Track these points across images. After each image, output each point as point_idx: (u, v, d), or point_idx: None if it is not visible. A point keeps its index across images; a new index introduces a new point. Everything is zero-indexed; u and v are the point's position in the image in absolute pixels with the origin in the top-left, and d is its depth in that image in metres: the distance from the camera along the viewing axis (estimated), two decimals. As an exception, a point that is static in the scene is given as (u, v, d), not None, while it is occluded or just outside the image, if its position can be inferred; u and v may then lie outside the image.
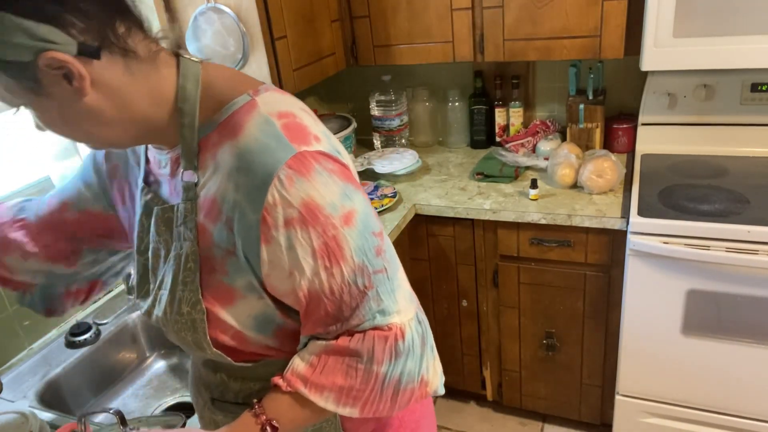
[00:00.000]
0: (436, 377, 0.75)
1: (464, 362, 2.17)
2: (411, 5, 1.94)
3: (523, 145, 2.14)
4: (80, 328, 1.44)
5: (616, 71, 2.08)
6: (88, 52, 0.62)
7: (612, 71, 2.09)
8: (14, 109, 0.67)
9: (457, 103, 2.30)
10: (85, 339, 1.37)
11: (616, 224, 1.66)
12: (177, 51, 0.73)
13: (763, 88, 1.79)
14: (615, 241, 1.71)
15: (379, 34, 2.03)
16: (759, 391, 1.64)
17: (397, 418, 0.91)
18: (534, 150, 2.13)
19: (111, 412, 0.87)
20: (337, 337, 0.71)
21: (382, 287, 0.70)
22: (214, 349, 0.78)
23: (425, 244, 2.00)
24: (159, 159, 0.79)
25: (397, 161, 2.13)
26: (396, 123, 2.30)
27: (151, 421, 0.97)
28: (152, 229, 0.79)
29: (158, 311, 0.79)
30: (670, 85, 1.89)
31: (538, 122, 2.18)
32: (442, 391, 0.76)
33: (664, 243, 1.56)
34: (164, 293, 0.78)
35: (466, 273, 1.99)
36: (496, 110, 2.22)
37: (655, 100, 1.92)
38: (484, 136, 2.30)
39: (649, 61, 1.67)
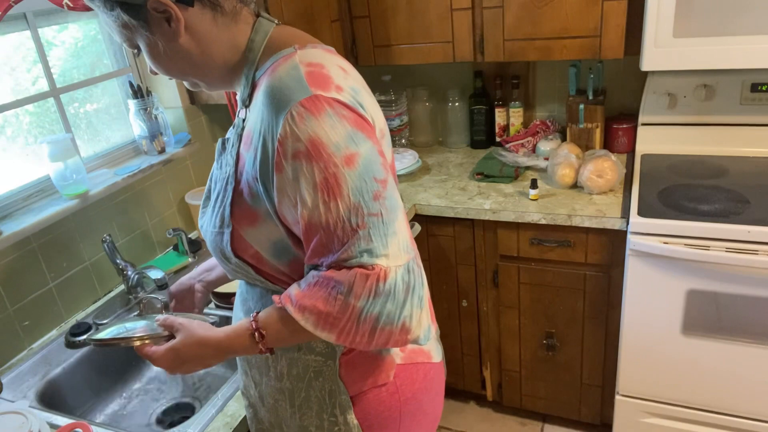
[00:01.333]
0: (419, 328, 0.79)
1: (464, 362, 2.17)
2: (411, 5, 1.94)
3: (523, 145, 2.14)
4: (80, 328, 1.44)
5: (616, 71, 2.08)
6: (184, 0, 0.79)
7: (612, 71, 2.09)
8: (135, 51, 0.86)
9: (457, 103, 2.30)
10: (85, 339, 1.38)
11: (616, 224, 1.66)
12: (258, 12, 0.89)
13: (763, 88, 1.79)
14: (615, 241, 1.71)
15: (379, 34, 2.03)
16: (759, 391, 1.64)
17: (394, 384, 0.95)
18: (534, 150, 2.13)
19: (160, 298, 0.99)
20: (328, 268, 0.78)
21: (374, 229, 0.76)
22: (235, 259, 0.89)
23: (425, 244, 2.00)
24: (239, 102, 0.93)
25: (397, 161, 2.13)
26: (396, 123, 2.30)
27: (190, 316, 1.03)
28: (216, 159, 0.94)
29: (203, 222, 0.94)
30: (670, 85, 1.89)
31: (538, 122, 2.18)
32: (424, 341, 0.81)
33: (664, 243, 1.56)
34: (209, 209, 0.92)
35: (466, 273, 1.99)
36: (496, 110, 2.22)
37: (655, 100, 1.92)
38: (484, 136, 2.30)
39: (649, 61, 1.67)
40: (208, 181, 0.97)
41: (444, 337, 2.15)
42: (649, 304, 1.65)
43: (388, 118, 2.29)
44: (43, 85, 1.55)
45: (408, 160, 2.13)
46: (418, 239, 2.00)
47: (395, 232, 0.77)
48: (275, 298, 0.82)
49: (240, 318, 1.01)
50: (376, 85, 2.35)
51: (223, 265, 0.94)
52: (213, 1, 0.81)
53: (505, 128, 2.24)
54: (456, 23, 1.91)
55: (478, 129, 2.29)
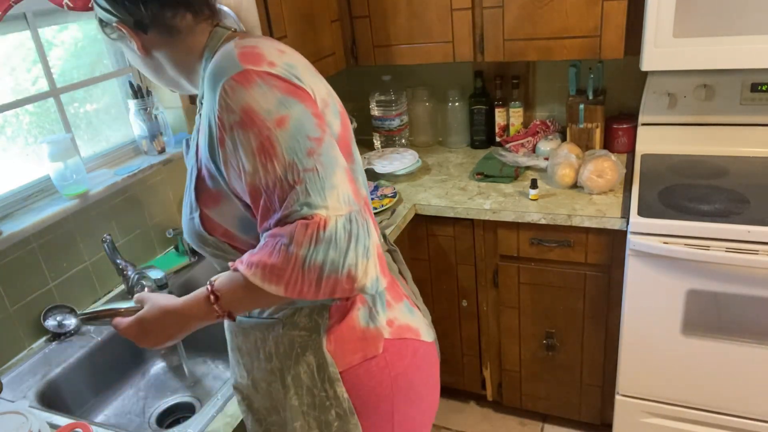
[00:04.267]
0: (365, 276, 0.80)
1: (464, 362, 2.17)
2: (411, 5, 1.94)
3: (523, 145, 2.14)
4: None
5: (616, 71, 2.08)
6: (140, 27, 0.93)
7: (612, 71, 2.09)
8: (112, 61, 0.99)
9: (457, 103, 2.30)
10: (78, 314, 1.41)
11: (616, 224, 1.66)
12: (217, 24, 0.97)
13: (763, 88, 1.79)
14: (615, 241, 1.71)
15: (379, 34, 2.03)
16: (759, 391, 1.64)
17: (384, 358, 0.97)
18: (534, 150, 2.13)
19: (151, 275, 1.15)
20: (274, 227, 0.81)
21: (311, 184, 0.79)
22: (211, 238, 0.94)
23: (425, 244, 2.00)
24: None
25: (397, 161, 2.13)
26: (396, 123, 2.30)
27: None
28: (185, 159, 1.02)
29: (181, 218, 1.00)
30: (670, 85, 1.89)
31: (538, 122, 2.18)
32: (371, 290, 0.82)
33: (664, 243, 1.56)
34: (184, 204, 0.98)
35: (466, 273, 1.99)
36: (496, 110, 2.22)
37: (655, 100, 1.92)
38: (484, 136, 2.30)
39: (649, 61, 1.67)
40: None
41: (444, 337, 2.15)
42: (649, 304, 1.65)
43: (388, 118, 2.29)
44: (43, 85, 1.55)
45: (408, 160, 2.13)
46: (418, 239, 2.00)
47: (334, 185, 0.81)
48: (230, 263, 0.85)
49: None
50: (376, 85, 2.35)
51: (202, 249, 0.98)
52: (168, 25, 0.92)
53: (505, 128, 2.24)
54: (456, 23, 1.91)
55: (478, 129, 2.29)
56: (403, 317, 1.03)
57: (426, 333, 1.07)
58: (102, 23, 0.96)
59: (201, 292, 0.88)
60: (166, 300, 0.93)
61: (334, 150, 0.85)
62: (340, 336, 0.95)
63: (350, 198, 0.82)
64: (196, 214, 0.93)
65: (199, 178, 0.92)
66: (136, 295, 0.99)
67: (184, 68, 0.97)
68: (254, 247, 0.90)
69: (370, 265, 0.81)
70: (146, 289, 1.39)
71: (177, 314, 0.91)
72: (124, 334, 0.95)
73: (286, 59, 0.88)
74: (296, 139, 0.81)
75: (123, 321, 0.95)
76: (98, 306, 1.02)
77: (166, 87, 1.05)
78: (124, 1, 0.92)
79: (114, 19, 0.93)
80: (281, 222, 0.80)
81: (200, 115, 0.93)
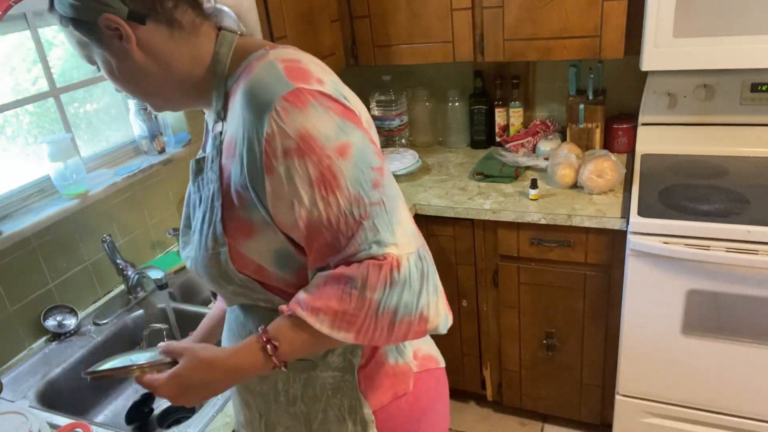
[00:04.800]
0: (438, 317, 0.76)
1: (464, 362, 2.17)
2: (411, 5, 1.94)
3: (523, 145, 2.14)
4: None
5: (616, 71, 2.08)
6: (135, 18, 0.76)
7: (612, 71, 2.09)
8: (94, 67, 0.82)
9: (457, 103, 2.30)
10: (84, 373, 1.29)
11: (616, 224, 1.66)
12: (220, 26, 0.85)
13: (763, 88, 1.79)
14: (615, 241, 1.71)
15: (379, 34, 2.03)
16: (759, 391, 1.64)
17: (413, 395, 0.92)
18: (534, 150, 2.13)
19: (162, 326, 0.92)
20: (336, 266, 0.74)
21: (378, 219, 0.73)
22: (240, 276, 0.82)
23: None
24: (208, 121, 0.90)
25: (397, 161, 2.13)
26: (396, 123, 2.30)
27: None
28: (190, 181, 0.89)
29: (191, 252, 0.87)
30: (670, 85, 1.89)
31: (538, 122, 2.18)
32: (443, 330, 0.77)
33: (664, 243, 1.56)
34: (195, 235, 0.85)
35: (466, 273, 1.99)
36: (496, 110, 2.22)
37: (655, 100, 1.92)
38: (484, 136, 2.30)
39: (649, 61, 1.67)
40: (184, 208, 0.92)
41: (444, 337, 2.15)
42: (649, 304, 1.65)
43: (388, 118, 2.29)
44: (43, 85, 1.55)
45: (408, 160, 2.13)
46: (418, 239, 1.99)
47: (399, 220, 0.75)
48: (282, 307, 0.77)
49: None
50: (376, 85, 2.35)
51: (220, 289, 0.87)
52: (168, 17, 0.78)
53: (505, 128, 2.24)
54: (456, 23, 1.91)
55: (478, 129, 2.29)
56: (424, 346, 0.98)
57: (441, 357, 1.03)
58: (76, 22, 0.77)
59: (252, 341, 0.78)
60: (208, 352, 0.81)
61: (392, 180, 0.79)
62: (371, 375, 0.89)
63: (415, 232, 0.77)
64: (224, 250, 0.81)
65: (227, 206, 0.80)
66: (163, 346, 0.85)
67: (186, 77, 0.82)
68: (290, 284, 0.83)
69: (440, 303, 0.76)
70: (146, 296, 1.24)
71: (226, 368, 0.79)
72: (159, 394, 0.82)
73: (330, 76, 0.80)
74: (360, 170, 0.73)
75: (157, 379, 0.82)
76: (110, 361, 0.88)
77: (154, 104, 0.87)
78: None
79: (100, 10, 0.74)
80: (346, 262, 0.73)
81: (220, 134, 0.82)
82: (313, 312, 0.73)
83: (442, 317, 0.76)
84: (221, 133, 0.82)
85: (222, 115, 0.82)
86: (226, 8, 1.51)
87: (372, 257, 0.72)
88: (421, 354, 0.96)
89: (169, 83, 0.82)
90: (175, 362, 0.83)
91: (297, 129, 0.71)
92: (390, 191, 0.76)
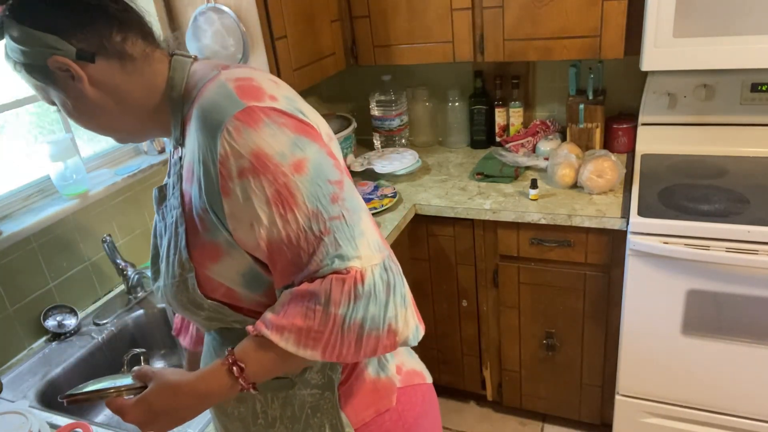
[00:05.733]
0: (407, 328, 0.74)
1: (464, 362, 2.17)
2: (411, 5, 1.94)
3: (523, 145, 2.14)
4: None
5: (616, 71, 2.08)
6: (84, 57, 0.76)
7: (612, 71, 2.09)
8: (53, 108, 0.84)
9: (457, 103, 2.30)
10: (60, 396, 1.23)
11: (616, 224, 1.66)
12: (173, 53, 0.84)
13: (763, 88, 1.79)
14: (615, 241, 1.71)
15: (379, 34, 2.03)
16: (759, 391, 1.64)
17: (396, 411, 0.90)
18: (534, 150, 2.13)
19: (139, 351, 0.93)
20: (300, 284, 0.72)
21: (339, 233, 0.71)
22: (209, 302, 0.81)
23: (425, 244, 2.00)
24: (171, 151, 0.88)
25: (397, 161, 2.13)
26: (396, 123, 2.30)
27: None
28: (155, 210, 0.88)
29: (160, 282, 0.86)
30: (670, 85, 1.89)
31: (538, 122, 2.18)
32: (413, 342, 0.75)
33: (664, 243, 1.56)
34: (162, 264, 0.84)
35: (466, 273, 1.99)
36: (496, 110, 2.22)
37: (655, 100, 1.92)
38: (484, 136, 2.30)
39: (649, 61, 1.67)
40: (152, 239, 0.90)
41: (444, 337, 2.15)
42: (649, 304, 1.65)
43: (388, 118, 2.29)
44: (43, 85, 1.55)
45: (408, 160, 2.13)
46: (418, 239, 2.00)
47: (362, 232, 0.73)
48: (249, 328, 0.75)
49: None
50: (376, 85, 2.35)
51: (193, 316, 0.85)
52: (118, 51, 0.78)
53: (505, 128, 2.24)
54: (456, 23, 1.91)
55: (478, 129, 2.29)
56: (409, 361, 0.96)
57: (428, 373, 1.00)
58: (28, 67, 0.77)
59: (218, 364, 0.76)
60: (175, 376, 0.79)
61: (354, 191, 0.77)
62: (351, 391, 0.87)
63: (379, 243, 0.75)
64: (191, 275, 0.80)
65: (191, 231, 0.79)
66: (135, 370, 0.83)
67: (142, 108, 0.82)
68: (261, 305, 0.82)
69: (409, 314, 0.74)
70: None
71: (192, 392, 0.77)
72: (127, 420, 0.80)
73: (284, 92, 0.79)
74: (317, 185, 0.72)
75: (125, 404, 0.79)
76: (88, 385, 0.86)
77: (119, 138, 0.87)
78: (64, 26, 0.75)
79: (48, 53, 0.74)
80: (309, 278, 0.72)
81: (179, 159, 0.82)
82: (278, 331, 0.71)
83: (411, 328, 0.74)
84: (180, 158, 0.82)
85: (180, 141, 0.82)
86: (226, 8, 1.50)
87: (335, 272, 0.70)
88: (405, 369, 0.93)
89: (127, 116, 0.82)
90: (144, 387, 0.81)
91: (250, 148, 0.71)
92: (351, 204, 0.74)
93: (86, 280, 1.60)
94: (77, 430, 1.10)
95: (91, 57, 0.76)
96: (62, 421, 1.17)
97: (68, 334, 1.48)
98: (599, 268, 1.78)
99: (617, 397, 1.84)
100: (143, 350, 0.89)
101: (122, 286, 1.65)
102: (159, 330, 1.61)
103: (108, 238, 1.56)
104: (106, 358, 1.49)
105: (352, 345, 0.71)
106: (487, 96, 2.24)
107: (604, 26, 1.73)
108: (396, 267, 0.75)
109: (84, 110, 0.80)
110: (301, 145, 0.73)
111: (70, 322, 1.49)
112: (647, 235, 1.58)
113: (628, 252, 1.62)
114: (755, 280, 1.51)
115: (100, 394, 0.83)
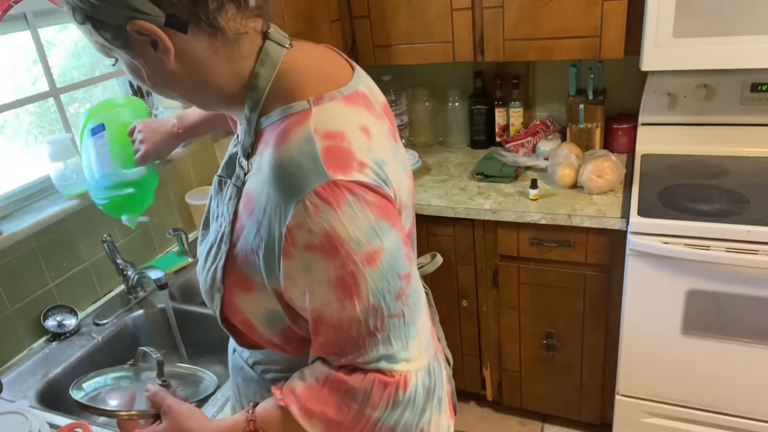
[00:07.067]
0: (438, 431, 0.72)
1: (464, 362, 2.17)
2: (411, 5, 1.94)
3: (523, 145, 2.14)
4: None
5: (616, 71, 2.08)
6: (175, 25, 0.65)
7: (612, 71, 2.09)
8: (113, 60, 0.73)
9: (457, 103, 2.30)
10: (71, 393, 1.06)
11: (616, 224, 1.66)
12: (267, 32, 0.73)
13: (763, 88, 1.79)
14: (615, 241, 1.71)
15: (379, 34, 2.03)
16: (759, 391, 1.64)
17: None
18: (534, 150, 2.13)
19: (155, 356, 0.90)
20: (340, 368, 0.70)
21: (394, 332, 0.68)
22: (222, 325, 0.82)
23: (425, 244, 2.00)
24: (235, 139, 0.84)
25: (397, 161, 2.13)
26: (396, 123, 2.30)
27: (189, 373, 0.97)
28: (212, 189, 0.85)
29: (198, 264, 0.84)
30: (670, 85, 1.89)
31: (538, 122, 2.18)
32: None
33: (664, 243, 1.56)
34: (203, 253, 0.82)
35: (466, 273, 1.99)
36: (496, 110, 2.22)
37: (655, 100, 1.92)
38: (484, 136, 2.30)
39: (649, 61, 1.67)
40: (207, 203, 0.88)
41: (444, 338, 2.15)
42: (649, 304, 1.65)
43: (388, 118, 2.29)
44: (43, 85, 1.55)
45: (408, 160, 2.13)
46: (418, 239, 2.00)
47: (417, 332, 0.70)
48: (276, 393, 0.72)
49: (235, 360, 0.94)
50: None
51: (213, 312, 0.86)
52: (211, 23, 0.66)
53: (505, 128, 2.24)
54: (456, 23, 1.91)
55: (478, 129, 2.29)
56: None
57: (453, 393, 0.96)
58: (96, 23, 0.66)
59: (239, 424, 0.74)
60: (192, 423, 0.76)
61: (418, 282, 0.73)
62: None
63: (429, 341, 0.71)
64: (218, 296, 0.78)
65: (231, 255, 0.75)
66: (150, 394, 0.81)
67: (218, 91, 0.73)
68: (271, 342, 0.80)
69: (443, 417, 0.72)
70: (154, 365, 1.07)
71: None
72: None
73: (374, 154, 0.70)
74: (386, 280, 0.67)
75: None
76: (98, 378, 0.88)
77: (185, 104, 0.84)
78: None
79: (131, 15, 0.63)
80: (352, 368, 0.68)
81: (244, 174, 0.75)
82: (307, 415, 0.69)
83: (442, 430, 0.73)
84: (245, 174, 0.76)
85: (248, 152, 0.75)
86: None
87: (379, 371, 0.67)
88: None
89: (203, 92, 0.73)
90: (158, 415, 0.80)
91: (324, 228, 0.64)
92: (413, 300, 0.70)
93: (86, 280, 1.60)
94: (77, 430, 1.10)
95: (183, 26, 0.65)
96: (62, 421, 1.17)
97: (68, 334, 1.48)
98: (599, 268, 1.78)
99: (617, 397, 1.84)
100: (160, 355, 0.87)
101: (122, 286, 1.65)
102: (159, 330, 1.61)
103: (108, 238, 1.56)
104: (106, 358, 1.48)
105: None
106: (487, 96, 2.24)
107: (604, 26, 1.73)
108: (439, 366, 0.73)
109: (158, 81, 0.71)
110: (381, 232, 0.66)
111: (70, 322, 1.49)
112: (647, 235, 1.58)
113: (628, 252, 1.62)
114: (755, 280, 1.51)
115: (110, 414, 0.84)
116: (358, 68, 0.81)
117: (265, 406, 0.74)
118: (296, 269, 0.67)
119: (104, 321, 1.53)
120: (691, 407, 1.75)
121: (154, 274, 1.46)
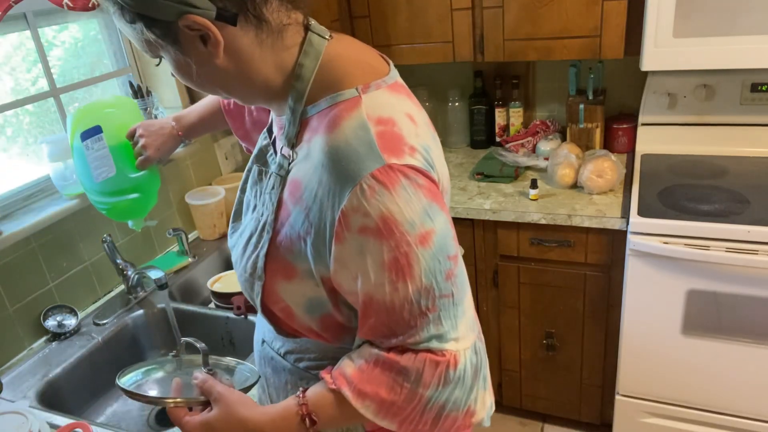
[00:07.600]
0: (483, 409, 0.74)
1: (464, 362, 2.17)
2: (411, 5, 1.94)
3: (523, 145, 2.14)
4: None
5: (616, 71, 2.08)
6: (225, 18, 0.66)
7: (612, 71, 2.09)
8: (156, 60, 0.73)
9: (457, 103, 2.30)
10: (118, 383, 1.04)
11: (616, 224, 1.66)
12: (308, 25, 0.74)
13: (763, 88, 1.79)
14: (615, 241, 1.71)
15: (379, 34, 2.03)
16: (759, 391, 1.64)
17: None
18: (534, 150, 2.13)
19: (199, 346, 0.91)
20: (389, 350, 0.71)
21: (444, 312, 0.69)
22: (260, 313, 0.84)
23: (425, 244, 2.00)
24: (272, 129, 0.85)
25: (397, 161, 2.13)
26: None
27: (231, 365, 0.98)
28: (249, 181, 0.86)
29: (234, 254, 0.85)
30: (670, 85, 1.89)
31: (538, 122, 2.18)
32: (487, 423, 0.76)
33: (664, 243, 1.56)
34: (240, 242, 0.83)
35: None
36: (496, 110, 2.22)
37: (655, 100, 1.92)
38: (484, 136, 2.30)
39: (649, 61, 1.67)
40: (238, 194, 0.89)
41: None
42: (649, 304, 1.65)
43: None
44: (43, 85, 1.55)
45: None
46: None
47: (464, 311, 0.72)
48: (326, 377, 0.74)
49: (259, 345, 0.96)
50: (376, 85, 2.35)
51: (252, 303, 0.86)
52: (257, 15, 0.68)
53: (505, 128, 2.24)
54: (456, 23, 1.91)
55: (478, 129, 2.29)
56: None
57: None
58: (147, 20, 0.65)
59: (292, 410, 0.75)
60: (244, 409, 0.77)
61: (463, 265, 0.75)
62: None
63: (474, 320, 0.74)
64: (259, 283, 0.79)
65: (273, 243, 0.77)
66: (199, 381, 0.81)
67: (262, 84, 0.73)
68: (310, 330, 0.82)
69: (488, 394, 0.74)
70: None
71: (258, 431, 0.76)
72: None
73: (422, 139, 0.72)
74: (438, 260, 0.69)
75: (188, 421, 0.79)
76: (144, 369, 0.89)
77: (225, 98, 0.85)
78: None
79: (184, 10, 0.63)
80: (401, 348, 0.70)
81: (288, 163, 0.76)
82: (360, 396, 0.71)
83: (487, 408, 0.75)
84: (290, 162, 0.76)
85: (292, 141, 0.76)
86: None
87: (430, 350, 0.69)
88: None
89: (246, 85, 0.74)
90: (207, 402, 0.81)
91: (380, 210, 0.66)
92: (461, 279, 0.72)
93: (86, 280, 1.60)
94: (77, 430, 1.10)
95: (233, 19, 0.66)
96: (62, 421, 1.17)
97: (68, 334, 1.48)
98: (599, 268, 1.78)
99: (617, 397, 1.84)
100: (205, 346, 0.89)
101: (122, 286, 1.65)
102: (159, 330, 1.61)
103: (108, 238, 1.56)
104: (106, 359, 1.48)
105: (429, 423, 0.72)
106: (487, 96, 2.24)
107: (604, 26, 1.73)
108: (483, 346, 0.75)
109: (207, 77, 0.72)
110: (432, 214, 0.69)
111: (70, 322, 1.49)
112: (647, 235, 1.58)
113: (628, 252, 1.62)
114: (755, 280, 1.51)
115: (158, 401, 0.84)
116: (390, 61, 0.83)
117: (316, 390, 0.75)
118: (349, 253, 0.68)
119: (104, 321, 1.53)
120: (691, 407, 1.75)
121: (154, 274, 1.46)
